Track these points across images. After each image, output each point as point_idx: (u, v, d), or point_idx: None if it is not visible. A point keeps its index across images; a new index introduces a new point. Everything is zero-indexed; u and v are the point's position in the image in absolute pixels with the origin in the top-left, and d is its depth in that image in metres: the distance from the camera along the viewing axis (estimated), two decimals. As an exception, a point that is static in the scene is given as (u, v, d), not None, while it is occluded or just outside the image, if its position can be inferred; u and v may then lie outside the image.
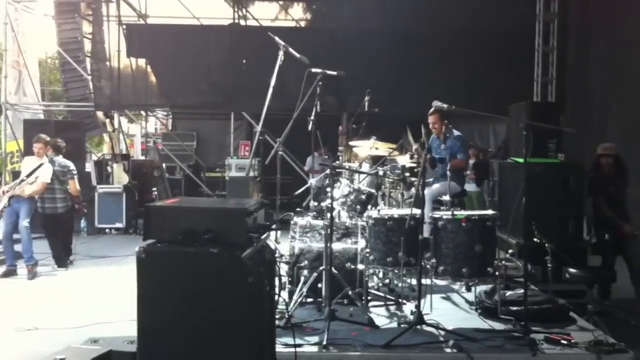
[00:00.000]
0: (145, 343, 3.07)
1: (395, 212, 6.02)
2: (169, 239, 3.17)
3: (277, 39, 6.19)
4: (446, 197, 6.28)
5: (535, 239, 6.07)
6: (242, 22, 16.45)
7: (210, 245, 3.10)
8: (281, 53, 6.10)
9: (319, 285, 5.70)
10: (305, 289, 5.76)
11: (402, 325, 5.30)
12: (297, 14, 17.95)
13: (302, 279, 5.93)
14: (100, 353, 3.66)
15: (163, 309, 3.08)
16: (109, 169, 13.47)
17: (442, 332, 5.15)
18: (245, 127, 16.36)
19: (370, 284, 6.33)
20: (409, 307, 5.95)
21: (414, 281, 6.32)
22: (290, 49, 6.14)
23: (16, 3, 14.68)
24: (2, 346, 5.58)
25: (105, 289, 7.95)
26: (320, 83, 5.92)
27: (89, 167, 14.01)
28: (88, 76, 15.18)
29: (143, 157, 20.27)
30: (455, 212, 5.75)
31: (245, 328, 3.15)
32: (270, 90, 6.11)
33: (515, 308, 5.52)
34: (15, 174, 12.74)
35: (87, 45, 15.72)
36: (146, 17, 16.29)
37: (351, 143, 7.49)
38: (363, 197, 6.72)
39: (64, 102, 16.13)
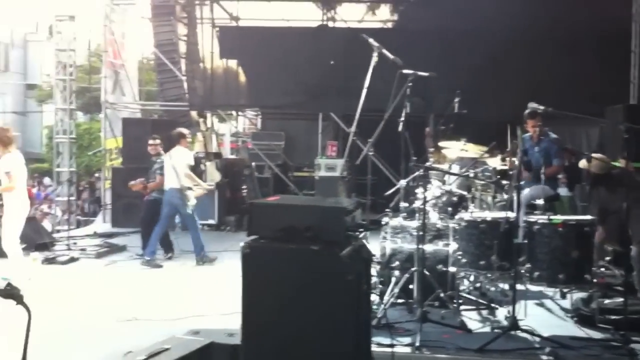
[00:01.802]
0: (249, 335, 3.17)
1: (488, 215, 5.94)
2: (272, 235, 3.26)
3: (371, 40, 6.22)
4: (540, 201, 6.14)
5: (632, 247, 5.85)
6: (330, 24, 16.56)
7: (310, 243, 3.17)
8: (375, 54, 6.13)
9: (410, 286, 5.70)
10: (396, 290, 5.76)
11: (496, 330, 5.23)
12: (384, 15, 17.91)
13: (393, 279, 5.94)
14: (202, 344, 3.79)
15: (266, 302, 3.18)
16: (201, 167, 13.87)
17: (537, 339, 5.05)
18: (333, 127, 16.47)
19: (460, 287, 6.27)
20: (501, 312, 5.86)
21: (505, 286, 6.22)
22: (384, 50, 6.16)
23: (115, 6, 15.33)
24: (105, 336, 5.86)
25: (199, 283, 8.22)
26: (410, 84, 5.92)
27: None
28: (182, 77, 15.67)
29: (232, 156, 20.73)
30: (551, 217, 5.62)
31: (343, 325, 3.21)
32: (365, 92, 6.15)
33: (614, 317, 5.34)
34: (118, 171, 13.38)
35: (182, 47, 16.23)
36: (238, 20, 16.66)
37: (440, 144, 7.43)
38: (455, 199, 6.66)
39: (159, 101, 16.71)
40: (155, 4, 16.16)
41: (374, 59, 6.16)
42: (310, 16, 16.70)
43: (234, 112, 18.20)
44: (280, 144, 16.92)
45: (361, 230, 3.57)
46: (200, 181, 9.41)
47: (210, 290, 7.81)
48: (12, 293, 3.14)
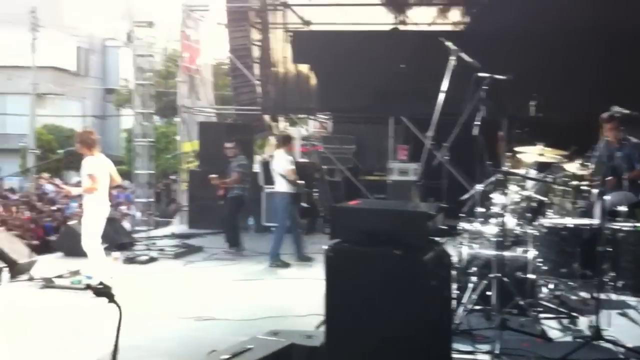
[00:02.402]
0: (331, 338, 3.21)
1: (569, 221, 5.79)
2: (354, 238, 3.29)
3: (449, 43, 6.18)
4: (622, 208, 5.94)
5: None
6: (401, 27, 16.49)
7: (393, 247, 3.18)
8: (453, 58, 6.09)
9: (488, 293, 5.62)
10: (474, 296, 5.69)
11: (578, 340, 5.10)
12: (456, 18, 17.70)
13: (471, 286, 5.87)
14: (283, 345, 3.85)
15: (348, 306, 3.21)
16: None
17: (622, 350, 4.89)
18: (403, 130, 16.39)
19: (539, 295, 6.13)
20: (582, 322, 5.70)
21: (586, 294, 6.05)
22: (463, 54, 6.12)
23: (191, 12, 15.72)
24: (185, 335, 6.01)
25: (272, 284, 8.33)
26: (486, 87, 5.86)
27: (256, 167, 14.69)
28: (256, 81, 15.92)
29: (303, 159, 20.90)
30: (636, 224, 5.44)
31: (425, 330, 3.20)
32: (442, 95, 6.11)
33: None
34: (195, 173, 13.67)
35: (256, 52, 16.49)
36: (310, 24, 16.80)
37: (516, 149, 7.29)
38: (534, 204, 6.52)
39: (233, 105, 17.02)
40: (230, 10, 16.47)
41: (452, 62, 6.11)
42: (382, 20, 16.69)
43: (305, 116, 18.37)
44: (351, 147, 16.95)
45: (444, 235, 3.55)
46: (300, 183, 9.59)
47: (285, 292, 7.92)
48: (104, 291, 3.28)
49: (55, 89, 27.85)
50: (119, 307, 3.27)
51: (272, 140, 17.78)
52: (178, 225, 14.13)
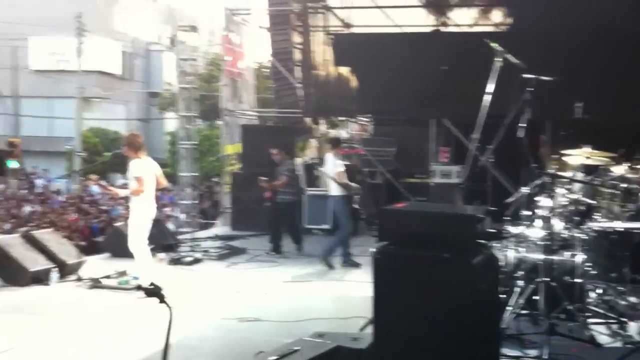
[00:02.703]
0: (379, 341, 3.21)
1: (619, 225, 5.68)
2: (402, 241, 3.29)
3: (494, 44, 6.13)
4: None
5: None
6: (443, 29, 16.37)
7: (442, 250, 3.17)
8: (499, 59, 6.03)
9: (535, 297, 5.54)
10: (521, 301, 5.62)
11: (627, 346, 5.00)
12: (497, 18, 17.51)
13: (517, 290, 5.80)
14: (329, 348, 3.86)
15: (396, 308, 3.21)
16: (315, 172, 14.10)
17: (675, 356, 4.78)
18: (444, 133, 16.26)
19: (588, 300, 6.02)
20: (632, 327, 5.59)
21: (636, 299, 5.92)
22: (509, 55, 6.05)
23: (234, 16, 15.88)
24: (230, 336, 6.08)
25: (315, 286, 8.36)
26: (531, 89, 5.79)
27: (298, 170, 14.76)
28: (297, 84, 15.99)
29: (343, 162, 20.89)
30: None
31: (474, 334, 3.18)
32: (488, 97, 6.05)
33: None
34: (238, 176, 13.76)
35: (297, 55, 16.57)
36: (351, 27, 16.80)
37: (561, 151, 7.18)
38: (582, 207, 6.41)
39: (275, 108, 17.13)
40: (272, 13, 16.59)
41: (498, 63, 6.05)
42: (423, 21, 16.61)
43: (345, 118, 18.38)
44: (391, 150, 16.90)
45: (493, 238, 3.52)
46: (353, 185, 9.64)
47: (328, 294, 7.94)
48: (155, 292, 3.34)
49: (101, 93, 28.39)
50: (169, 307, 3.33)
51: (314, 142, 17.85)
52: (221, 227, 14.27)
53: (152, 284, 3.42)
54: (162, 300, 3.31)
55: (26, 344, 5.76)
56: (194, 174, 14.83)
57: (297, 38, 16.73)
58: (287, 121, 16.31)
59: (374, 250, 3.30)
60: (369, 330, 5.44)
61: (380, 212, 3.40)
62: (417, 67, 13.81)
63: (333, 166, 9.48)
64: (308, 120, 16.37)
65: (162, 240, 10.12)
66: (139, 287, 3.53)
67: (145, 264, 7.61)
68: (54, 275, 8.11)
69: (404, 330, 3.23)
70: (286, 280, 8.70)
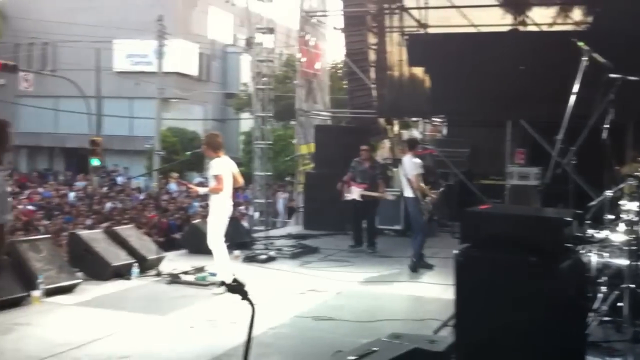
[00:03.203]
0: (462, 344, 3.17)
1: None
2: (486, 244, 3.23)
3: (580, 43, 5.95)
4: None
5: None
6: (521, 28, 15.99)
7: (528, 253, 3.11)
8: (585, 58, 5.86)
9: (619, 304, 5.36)
10: (604, 307, 5.45)
11: None
12: (577, 17, 16.96)
13: (601, 296, 5.62)
14: (407, 349, 3.84)
15: (479, 312, 3.16)
16: (388, 173, 14.04)
17: None
18: (520, 133, 15.89)
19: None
20: None
21: None
22: (595, 54, 5.87)
23: (309, 18, 15.99)
24: (305, 335, 6.13)
25: (386, 287, 8.33)
26: (615, 90, 5.60)
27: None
28: (371, 85, 15.97)
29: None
30: None
31: (559, 340, 3.10)
32: (574, 97, 5.89)
33: None
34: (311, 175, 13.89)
35: (371, 56, 16.54)
36: (426, 27, 16.64)
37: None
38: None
39: (348, 109, 17.15)
40: (347, 14, 16.62)
41: (584, 63, 5.87)
42: (500, 21, 16.27)
43: (418, 119, 18.22)
44: (465, 151, 16.65)
45: (580, 243, 3.43)
46: (426, 188, 9.57)
47: (401, 295, 7.90)
48: (238, 288, 3.40)
49: (179, 94, 29.13)
50: (252, 304, 3.38)
51: (387, 143, 17.79)
52: (294, 226, 14.41)
53: (235, 280, 3.48)
54: (244, 297, 3.37)
55: (112, 336, 5.98)
56: (268, 173, 15.00)
57: (372, 39, 16.69)
58: (361, 122, 16.30)
59: (456, 252, 3.25)
60: (445, 332, 5.41)
61: (463, 213, 3.35)
62: (494, 67, 13.54)
63: (411, 168, 9.38)
64: (381, 120, 16.32)
65: (238, 237, 10.28)
66: (222, 284, 3.61)
67: (223, 261, 7.77)
68: (135, 270, 8.36)
69: (486, 335, 3.17)
70: (359, 280, 8.70)
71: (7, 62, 24.78)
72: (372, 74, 16.24)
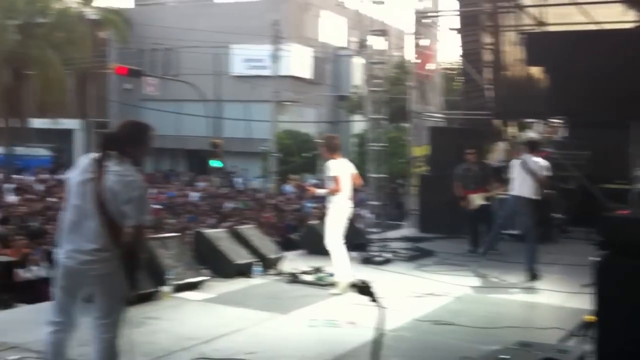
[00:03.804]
0: (605, 353, 3.10)
1: None
2: (628, 250, 3.15)
3: None
4: None
5: None
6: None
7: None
8: None
9: None
10: None
11: None
12: None
13: None
14: (538, 358, 3.78)
15: (622, 319, 3.08)
16: (502, 175, 13.74)
17: None
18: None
19: None
20: None
21: None
22: None
23: (423, 18, 15.91)
24: (422, 337, 6.18)
25: (504, 293, 8.20)
26: None
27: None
28: (486, 85, 15.70)
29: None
30: None
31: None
32: None
33: None
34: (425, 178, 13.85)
35: (486, 56, 16.26)
36: (544, 25, 16.15)
37: None
38: None
39: (461, 110, 16.94)
40: (462, 14, 16.43)
41: None
42: (622, 17, 15.54)
43: (535, 120, 17.72)
44: (585, 153, 16.00)
45: None
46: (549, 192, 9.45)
47: (519, 301, 7.77)
48: (367, 290, 3.51)
49: (294, 97, 29.78)
50: (381, 307, 3.47)
51: (501, 145, 17.42)
52: (408, 229, 14.41)
53: (363, 282, 3.59)
54: (374, 299, 3.47)
55: (238, 332, 6.27)
56: (381, 175, 15.06)
57: (487, 38, 16.41)
58: (475, 123, 16.06)
59: (596, 259, 3.20)
60: (571, 342, 5.29)
61: (602, 219, 3.28)
62: (616, 65, 12.98)
63: (540, 169, 9.16)
64: (497, 122, 16.00)
65: (354, 239, 10.39)
66: (352, 285, 3.72)
67: (341, 262, 7.92)
68: (257, 268, 8.69)
69: (632, 346, 3.09)
70: (477, 285, 8.62)
71: (133, 67, 26.27)
72: (487, 74, 15.97)
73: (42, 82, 30.57)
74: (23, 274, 9.71)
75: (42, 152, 32.54)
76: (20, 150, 30.92)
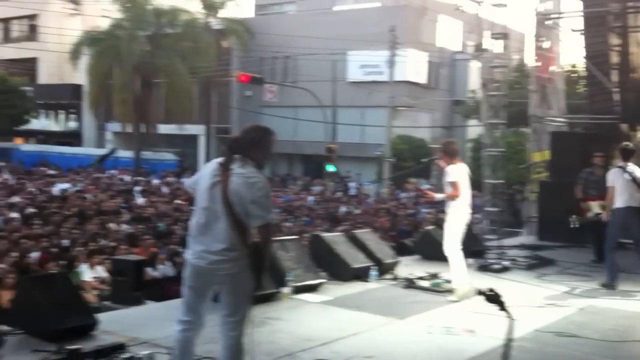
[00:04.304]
0: None
1: None
2: None
3: None
4: None
5: None
6: None
7: None
8: None
9: None
10: None
11: None
12: None
13: None
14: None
15: None
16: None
17: None
18: None
19: None
20: None
21: None
22: None
23: (545, 20, 15.42)
24: (543, 349, 6.03)
25: (634, 306, 7.82)
26: None
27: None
28: (613, 88, 15.00)
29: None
30: None
31: None
32: None
33: None
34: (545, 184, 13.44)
35: (613, 58, 15.53)
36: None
37: None
38: None
39: (586, 114, 16.26)
40: (587, 15, 15.80)
41: None
42: None
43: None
44: None
45: None
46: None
47: None
48: (496, 299, 3.48)
49: (409, 102, 29.67)
50: (509, 315, 3.43)
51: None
52: (526, 236, 14.02)
53: (491, 290, 3.56)
54: (502, 307, 3.44)
55: (356, 336, 6.36)
56: (498, 181, 14.70)
57: (614, 39, 15.66)
58: (600, 128, 15.36)
59: None
60: None
61: None
62: None
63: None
64: (624, 126, 15.24)
65: (471, 245, 10.24)
66: (479, 292, 3.70)
67: (459, 269, 7.85)
68: (373, 272, 8.76)
69: None
70: (602, 296, 8.26)
71: (254, 74, 27.13)
72: (614, 77, 15.24)
73: (169, 90, 32.26)
74: (151, 272, 10.30)
75: (168, 156, 34.20)
76: (147, 154, 32.66)
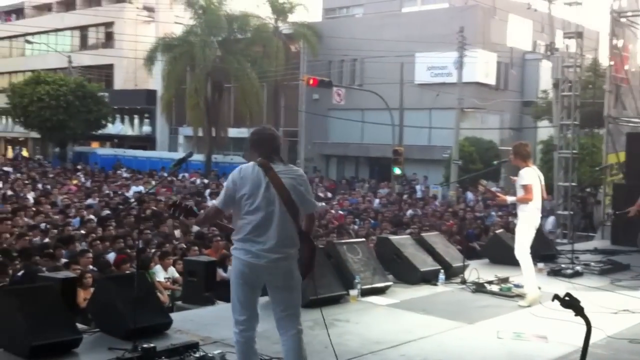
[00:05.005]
0: None
1: None
2: None
3: None
4: None
5: None
6: None
7: None
8: None
9: None
10: None
11: None
12: None
13: None
14: None
15: None
16: None
17: None
18: None
19: None
20: None
21: None
22: None
23: (622, 18, 14.98)
24: (618, 356, 5.91)
25: None
26: None
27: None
28: None
29: None
30: None
31: None
32: None
33: None
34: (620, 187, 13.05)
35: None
36: None
37: None
38: None
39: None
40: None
41: None
42: None
43: None
44: None
45: None
46: None
47: None
48: (574, 304, 3.44)
49: (477, 103, 29.22)
50: (587, 320, 3.38)
51: None
52: (600, 241, 13.64)
53: (568, 295, 3.52)
54: (579, 313, 3.39)
55: (424, 339, 6.36)
56: (571, 183, 14.38)
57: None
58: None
59: None
60: None
61: None
62: None
63: None
64: None
65: (542, 250, 10.08)
66: (555, 297, 3.67)
67: (529, 273, 7.74)
68: (441, 276, 8.72)
69: None
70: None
71: (322, 78, 27.32)
72: None
73: (239, 95, 32.83)
74: (222, 273, 10.52)
75: (238, 159, 34.80)
76: (218, 157, 33.28)
